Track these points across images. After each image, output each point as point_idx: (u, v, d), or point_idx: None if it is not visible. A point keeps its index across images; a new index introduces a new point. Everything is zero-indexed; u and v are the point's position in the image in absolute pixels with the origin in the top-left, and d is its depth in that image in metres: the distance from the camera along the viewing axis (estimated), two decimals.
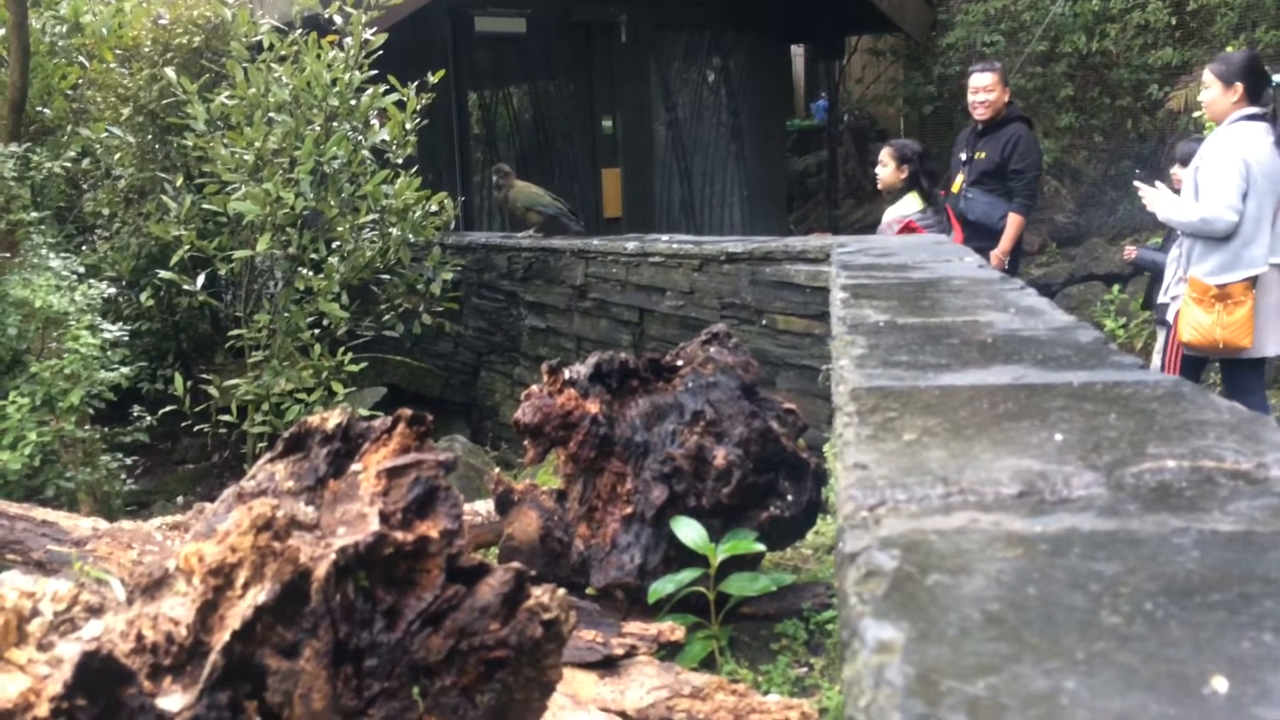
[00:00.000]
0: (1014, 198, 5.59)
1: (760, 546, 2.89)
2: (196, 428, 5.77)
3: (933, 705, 0.68)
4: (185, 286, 5.94)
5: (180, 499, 6.18)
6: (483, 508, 3.67)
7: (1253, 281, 4.35)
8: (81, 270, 5.72)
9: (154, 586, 1.59)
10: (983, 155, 5.65)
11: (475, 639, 1.61)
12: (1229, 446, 1.16)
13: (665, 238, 6.03)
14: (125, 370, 5.27)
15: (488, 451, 6.59)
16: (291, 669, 1.47)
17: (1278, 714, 0.65)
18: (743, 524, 2.94)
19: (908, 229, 5.20)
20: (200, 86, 5.94)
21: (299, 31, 6.07)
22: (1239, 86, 4.37)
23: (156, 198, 6.57)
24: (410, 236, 6.29)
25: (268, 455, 1.89)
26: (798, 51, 15.36)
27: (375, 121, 6.25)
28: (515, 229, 7.86)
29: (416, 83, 6.23)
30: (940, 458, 1.17)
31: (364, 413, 2.08)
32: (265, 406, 5.59)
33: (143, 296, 6.56)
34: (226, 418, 5.62)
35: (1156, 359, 5.11)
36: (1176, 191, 4.83)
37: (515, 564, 1.70)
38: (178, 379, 5.56)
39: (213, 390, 5.63)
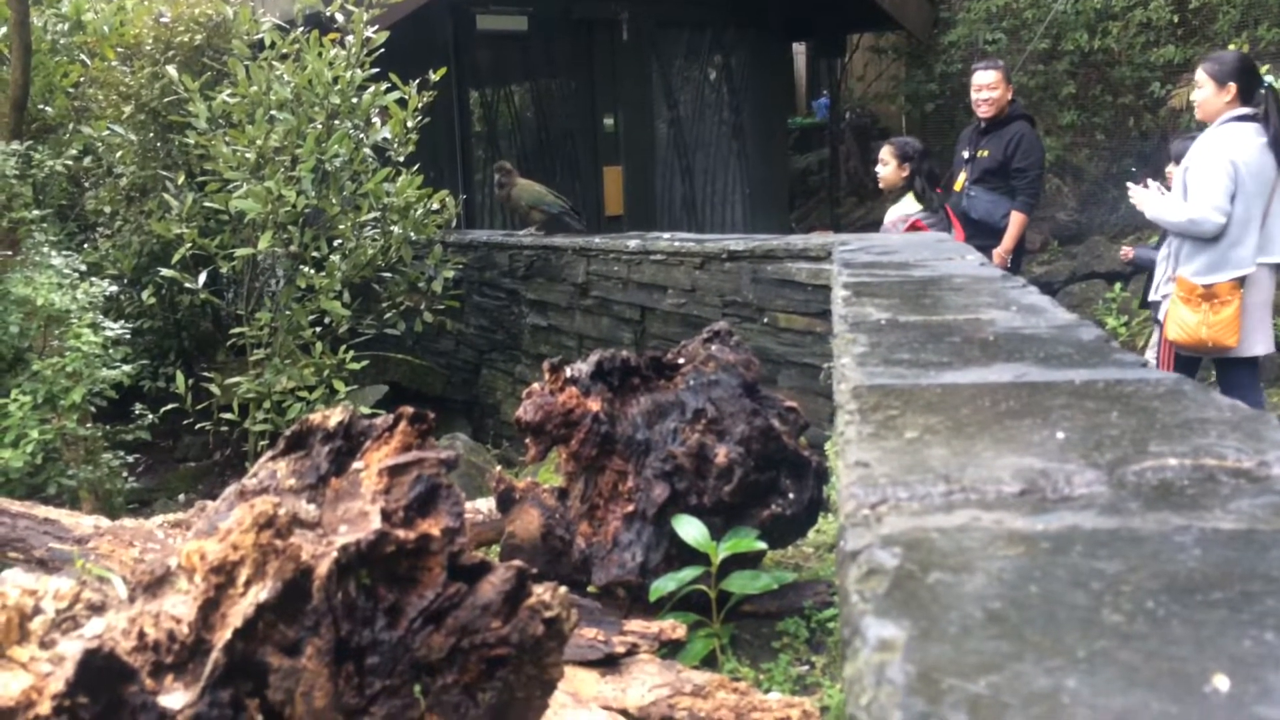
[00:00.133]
0: (1017, 196, 5.58)
1: (762, 545, 2.89)
2: (198, 426, 5.77)
3: (934, 703, 0.68)
4: (187, 284, 5.94)
5: (182, 497, 6.18)
6: (484, 506, 3.68)
7: (1240, 281, 4.36)
8: (83, 268, 5.72)
9: (156, 584, 1.59)
10: (985, 153, 5.64)
11: (477, 637, 1.61)
12: (1230, 445, 1.16)
13: (667, 236, 6.03)
14: (127, 368, 5.27)
15: (489, 450, 6.59)
16: (293, 667, 1.48)
17: (1279, 713, 0.65)
18: (744, 522, 2.94)
19: (914, 227, 5.19)
20: (202, 84, 5.94)
21: (300, 29, 6.07)
22: (1232, 87, 4.38)
23: (158, 196, 6.58)
24: (412, 234, 6.29)
25: (269, 453, 1.89)
26: (799, 49, 15.35)
27: (377, 119, 6.24)
28: (517, 227, 7.86)
29: (418, 81, 6.23)
30: (942, 456, 1.17)
31: (365, 411, 2.08)
32: (267, 404, 5.59)
33: (144, 294, 6.56)
34: (228, 416, 5.62)
35: (1150, 355, 5.11)
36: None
37: (517, 562, 1.71)
38: (179, 377, 5.56)
39: (214, 388, 5.63)
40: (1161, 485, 1.06)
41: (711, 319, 4.81)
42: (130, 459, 5.62)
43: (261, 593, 1.46)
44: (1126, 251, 6.16)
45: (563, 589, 1.71)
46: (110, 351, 5.21)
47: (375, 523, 1.61)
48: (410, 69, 6.34)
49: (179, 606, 1.53)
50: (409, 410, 1.87)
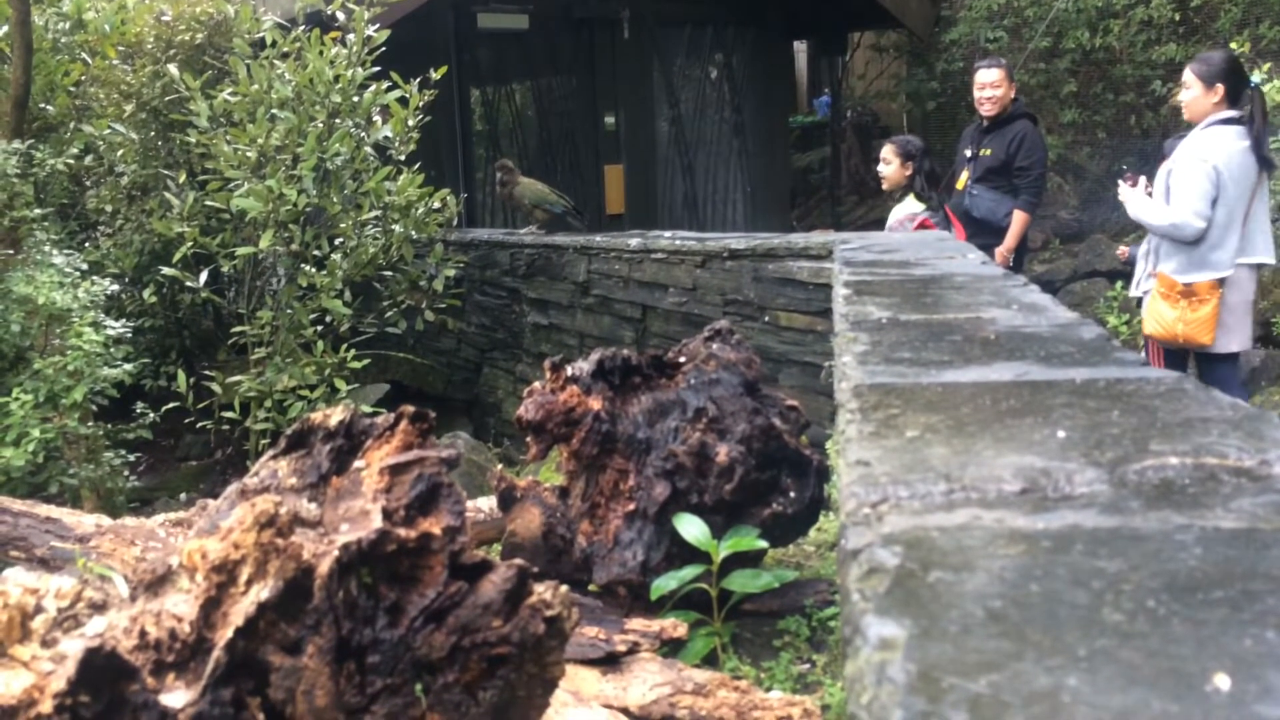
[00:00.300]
0: (1019, 195, 5.57)
1: (762, 543, 2.89)
2: (199, 425, 5.78)
3: (934, 702, 0.68)
4: (188, 283, 5.94)
5: (183, 496, 6.19)
6: (485, 504, 3.68)
7: (1219, 281, 4.41)
8: (84, 267, 5.73)
9: (157, 583, 1.59)
10: (988, 152, 5.63)
11: (478, 635, 1.61)
12: (1232, 443, 1.16)
13: (668, 234, 6.03)
14: (128, 367, 5.27)
15: (490, 448, 6.60)
16: (294, 666, 1.48)
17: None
18: (745, 521, 2.94)
19: (923, 226, 5.18)
20: (203, 83, 5.94)
21: (302, 28, 6.07)
22: (1220, 88, 4.40)
23: (159, 194, 6.58)
24: (413, 233, 6.29)
25: (271, 452, 1.89)
26: (800, 48, 15.35)
27: (378, 118, 6.24)
28: (518, 225, 7.86)
29: (419, 79, 6.23)
30: (943, 454, 1.17)
31: (366, 410, 2.08)
32: (268, 403, 5.59)
33: (146, 293, 6.56)
34: (229, 414, 5.63)
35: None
36: None
37: (518, 561, 1.71)
38: (181, 376, 5.56)
39: (216, 387, 5.63)
40: (1162, 484, 1.06)
41: (712, 317, 4.81)
42: (132, 458, 5.63)
43: (263, 591, 1.47)
44: (1123, 251, 6.17)
45: (564, 587, 1.71)
46: (111, 350, 5.22)
47: (376, 521, 1.61)
48: (411, 67, 6.34)
49: (180, 605, 1.53)
50: (410, 409, 1.87)
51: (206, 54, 6.77)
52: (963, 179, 5.75)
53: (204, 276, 5.93)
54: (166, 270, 6.01)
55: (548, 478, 3.96)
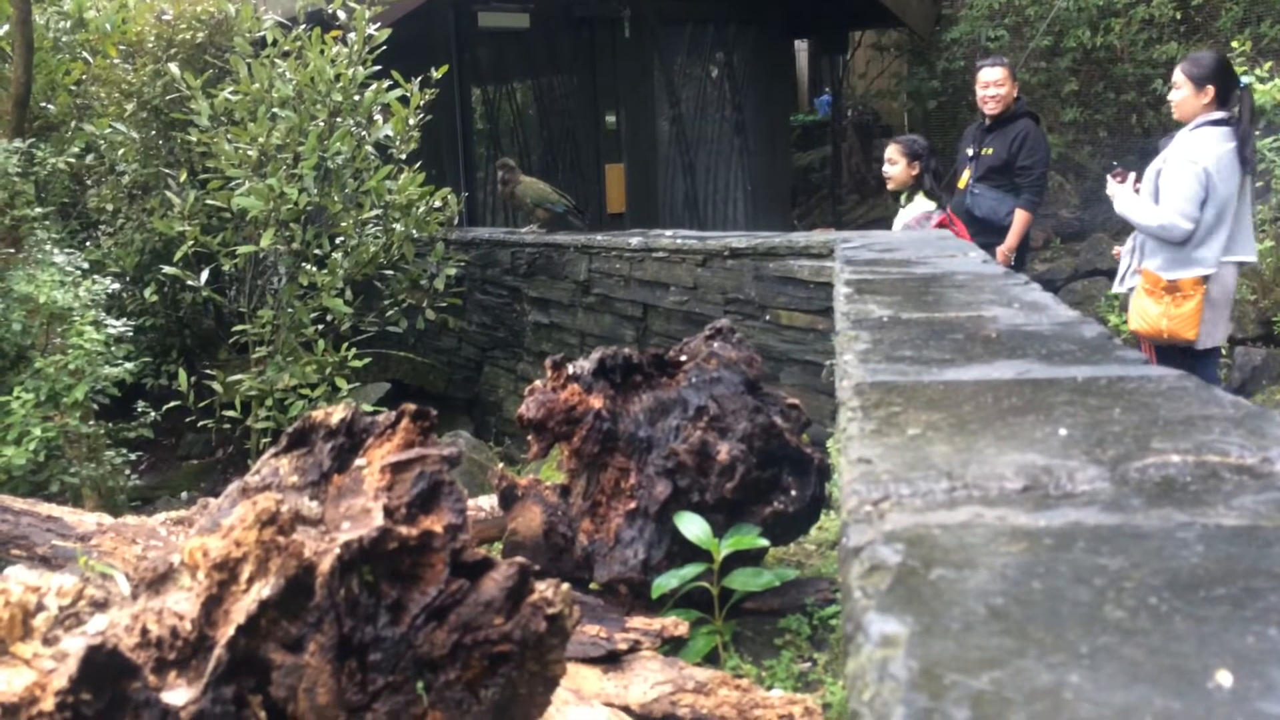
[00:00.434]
0: (1021, 194, 5.57)
1: (764, 542, 2.89)
2: (200, 423, 5.78)
3: (936, 699, 0.68)
4: (189, 282, 5.94)
5: (184, 494, 6.19)
6: (486, 503, 3.68)
7: (1203, 278, 4.45)
8: (85, 266, 5.73)
9: (159, 581, 1.59)
10: (990, 151, 5.63)
11: (479, 633, 1.61)
12: (1233, 441, 1.16)
13: (669, 233, 6.03)
14: (129, 366, 5.27)
15: (491, 447, 6.60)
16: (296, 663, 1.48)
17: None
18: (746, 519, 2.94)
19: (941, 225, 5.16)
20: (204, 82, 5.94)
21: (302, 27, 6.07)
22: (1210, 89, 4.42)
23: (160, 193, 6.58)
24: (414, 232, 6.29)
25: (272, 450, 1.89)
26: (801, 46, 15.35)
27: (379, 117, 6.24)
28: (519, 224, 7.86)
29: (420, 78, 6.23)
30: (944, 452, 1.17)
31: (368, 408, 2.08)
32: (269, 402, 5.59)
33: (146, 292, 6.56)
34: (230, 413, 5.63)
35: None
36: None
37: (519, 559, 1.71)
38: (182, 374, 5.57)
39: (217, 386, 5.64)
40: (1164, 482, 1.06)
41: (713, 316, 4.81)
42: (133, 456, 5.63)
43: (264, 589, 1.47)
44: (1118, 250, 6.18)
45: (565, 586, 1.71)
46: (112, 349, 5.22)
47: (378, 519, 1.61)
48: (412, 66, 6.34)
49: (182, 603, 1.53)
50: (411, 407, 1.87)
51: (207, 53, 6.77)
52: (964, 178, 5.75)
53: (205, 275, 5.93)
54: (167, 269, 6.01)
55: (549, 476, 3.96)
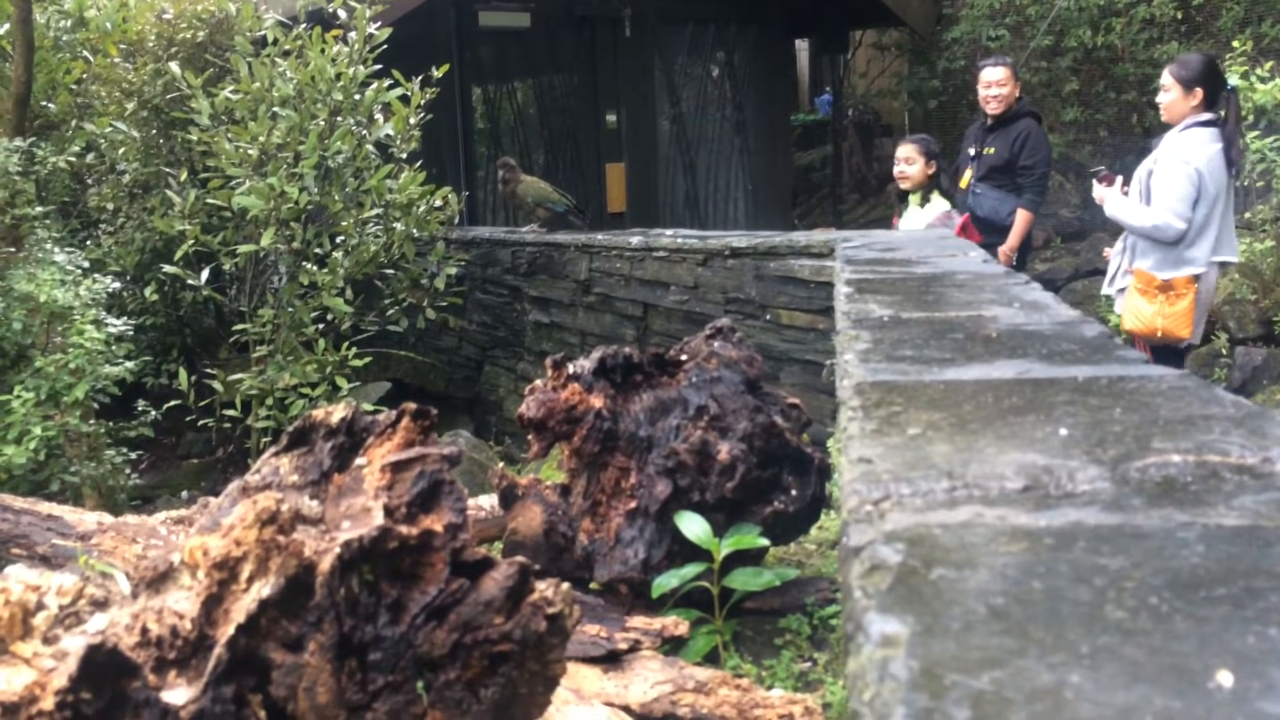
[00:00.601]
0: (1023, 193, 5.57)
1: (764, 541, 2.88)
2: (201, 422, 5.78)
3: (937, 699, 0.68)
4: (189, 281, 5.94)
5: (185, 493, 6.19)
6: (486, 502, 3.68)
7: (1195, 277, 4.49)
8: (86, 265, 5.73)
9: (159, 580, 1.59)
10: (992, 150, 5.63)
11: (479, 633, 1.61)
12: (1234, 441, 1.16)
13: (669, 232, 6.03)
14: (130, 365, 5.27)
15: (491, 446, 6.60)
16: (296, 662, 1.48)
17: None
18: (746, 519, 2.93)
19: (965, 225, 5.15)
20: (204, 81, 5.94)
21: (303, 26, 6.07)
22: (1199, 91, 4.47)
23: (161, 192, 6.58)
24: (414, 231, 6.29)
25: (272, 449, 1.89)
26: (802, 46, 15.35)
27: (379, 116, 6.24)
28: (519, 223, 7.86)
29: (421, 77, 6.23)
30: (945, 452, 1.17)
31: (368, 408, 2.08)
32: (269, 401, 5.59)
33: (147, 291, 6.57)
34: (231, 412, 5.63)
35: None
36: None
37: (519, 558, 1.70)
38: (182, 374, 5.57)
39: (217, 385, 5.64)
40: (1165, 481, 1.06)
41: (714, 316, 4.81)
42: (133, 455, 5.63)
43: (264, 589, 1.47)
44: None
45: (565, 585, 1.71)
46: (113, 348, 5.22)
47: (378, 519, 1.61)
48: (413, 65, 6.34)
49: (182, 602, 1.53)
50: (411, 407, 1.87)
51: (208, 52, 6.77)
52: (966, 177, 5.75)
53: (205, 274, 5.93)
54: (168, 268, 6.01)
55: (549, 476, 3.96)
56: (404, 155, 6.37)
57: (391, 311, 6.42)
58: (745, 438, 2.92)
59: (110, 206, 7.07)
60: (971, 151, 5.77)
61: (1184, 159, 4.42)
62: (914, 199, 5.31)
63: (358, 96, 6.02)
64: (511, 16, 9.30)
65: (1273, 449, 1.12)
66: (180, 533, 2.71)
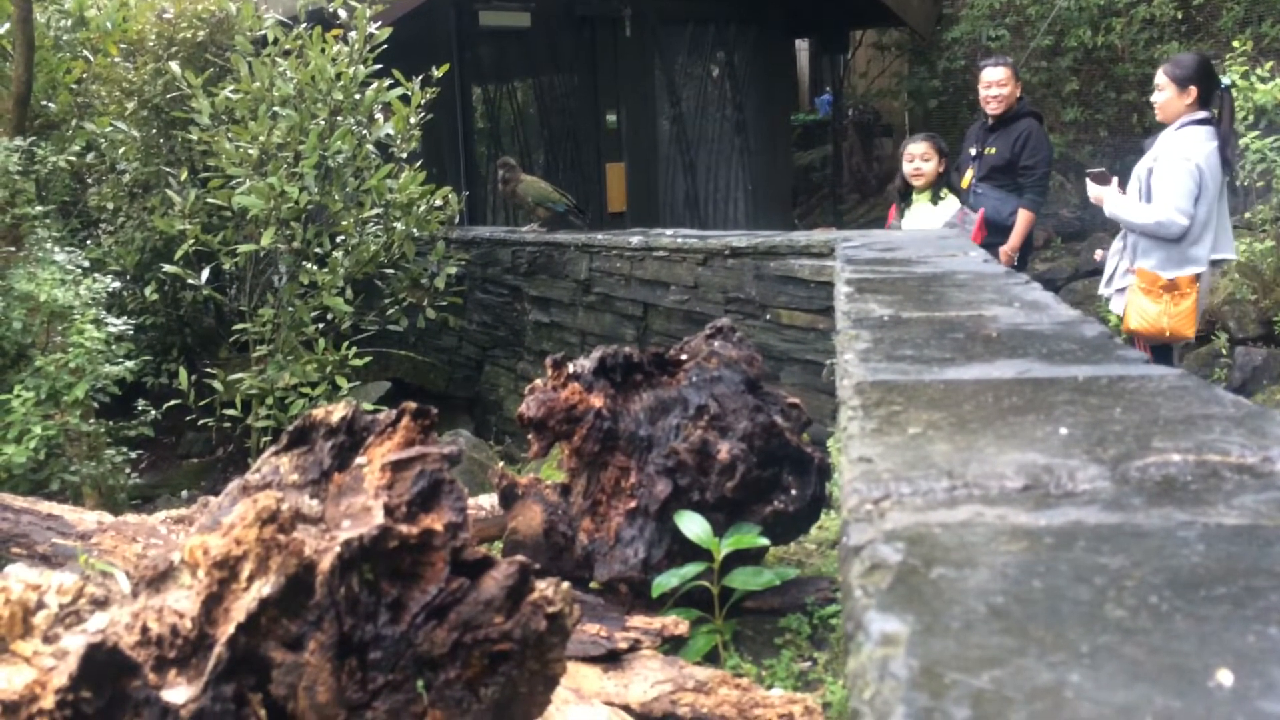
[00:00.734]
0: (1024, 194, 5.57)
1: (764, 541, 2.88)
2: (201, 422, 5.78)
3: (937, 698, 0.68)
4: (190, 281, 5.94)
5: (185, 493, 6.19)
6: (486, 502, 3.68)
7: (1196, 276, 4.52)
8: (86, 264, 5.73)
9: (159, 579, 1.59)
10: (993, 150, 5.63)
11: (479, 632, 1.61)
12: (1234, 440, 1.16)
13: (669, 232, 6.03)
14: (130, 364, 5.27)
15: (491, 446, 6.60)
16: (296, 661, 1.48)
17: None
18: (746, 518, 2.93)
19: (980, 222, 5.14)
20: (205, 81, 5.94)
21: (303, 25, 6.07)
22: (1193, 90, 4.50)
23: (161, 192, 6.58)
24: (414, 231, 6.30)
25: (272, 449, 1.89)
26: (802, 46, 15.34)
27: (380, 116, 6.24)
28: (519, 223, 7.86)
29: (421, 77, 6.23)
30: (945, 451, 1.17)
31: (368, 407, 2.08)
32: (269, 401, 5.59)
33: (147, 291, 6.57)
34: (231, 412, 5.63)
35: None
36: None
37: (519, 557, 1.70)
38: (182, 373, 5.57)
39: (217, 384, 5.64)
40: (1165, 481, 1.06)
41: (714, 315, 4.81)
42: (133, 455, 5.63)
43: (264, 588, 1.47)
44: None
45: (565, 584, 1.71)
46: (113, 347, 5.22)
47: (378, 518, 1.61)
48: (413, 65, 6.34)
49: (182, 601, 1.53)
50: (412, 406, 1.87)
51: (208, 51, 6.77)
52: (967, 177, 5.75)
53: (205, 274, 5.93)
54: (168, 268, 6.01)
55: (549, 475, 3.96)
56: (404, 155, 6.37)
57: (391, 311, 6.42)
58: (745, 437, 2.92)
59: (110, 206, 7.07)
60: (973, 151, 5.77)
61: (1185, 155, 4.44)
62: (923, 197, 5.23)
63: (358, 96, 6.02)
64: (512, 16, 9.30)
65: (1273, 448, 1.12)
66: (180, 532, 2.71)
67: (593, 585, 2.97)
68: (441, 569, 1.62)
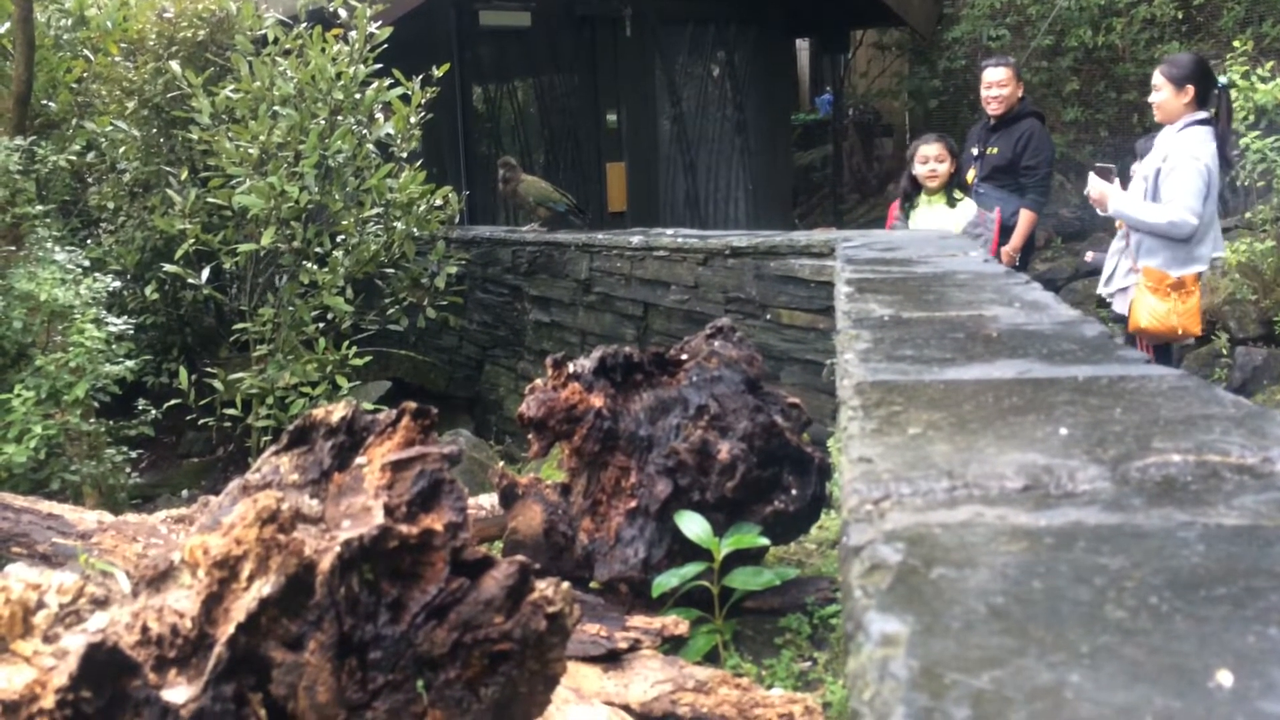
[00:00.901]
0: (1026, 194, 5.57)
1: (764, 541, 2.88)
2: (201, 421, 5.78)
3: (937, 698, 0.68)
4: (190, 280, 5.94)
5: (185, 492, 6.19)
6: (487, 502, 3.68)
7: (1200, 273, 4.57)
8: (86, 264, 5.73)
9: (159, 579, 1.59)
10: (995, 151, 5.63)
11: (479, 632, 1.61)
12: (1234, 440, 1.16)
13: (670, 232, 6.03)
14: (130, 364, 5.27)
15: (492, 446, 6.60)
16: (296, 661, 1.48)
17: None
18: (747, 518, 2.93)
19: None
20: (205, 80, 5.94)
21: (304, 25, 6.07)
22: (1190, 89, 4.52)
23: (161, 191, 6.58)
24: (415, 230, 6.30)
25: (272, 448, 1.89)
26: (802, 45, 15.34)
27: (380, 115, 6.25)
28: (519, 223, 7.86)
29: (421, 76, 6.23)
30: (945, 452, 1.17)
31: (368, 407, 2.08)
32: (270, 400, 5.59)
33: (147, 290, 6.57)
34: (231, 411, 5.63)
35: None
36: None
37: (520, 557, 1.70)
38: (183, 372, 5.57)
39: (217, 384, 5.64)
40: (1165, 481, 1.06)
41: (714, 315, 4.81)
42: (133, 454, 5.63)
43: (264, 587, 1.47)
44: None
45: (565, 584, 1.71)
46: (113, 347, 5.22)
47: (378, 518, 1.61)
48: (413, 65, 6.34)
49: (182, 601, 1.53)
50: (412, 406, 1.87)
51: (209, 51, 6.77)
52: (969, 177, 5.75)
53: (206, 273, 5.93)
54: (168, 267, 6.01)
55: (549, 475, 3.96)
56: (404, 154, 6.37)
57: (392, 311, 6.42)
58: (745, 437, 2.92)
59: (111, 205, 7.07)
60: (975, 151, 5.77)
61: (1194, 154, 4.45)
62: (937, 199, 5.15)
63: (358, 95, 6.03)
64: (512, 16, 9.30)
65: (1273, 449, 1.12)
66: (180, 531, 2.71)
67: (593, 585, 2.98)
68: (441, 569, 1.62)
